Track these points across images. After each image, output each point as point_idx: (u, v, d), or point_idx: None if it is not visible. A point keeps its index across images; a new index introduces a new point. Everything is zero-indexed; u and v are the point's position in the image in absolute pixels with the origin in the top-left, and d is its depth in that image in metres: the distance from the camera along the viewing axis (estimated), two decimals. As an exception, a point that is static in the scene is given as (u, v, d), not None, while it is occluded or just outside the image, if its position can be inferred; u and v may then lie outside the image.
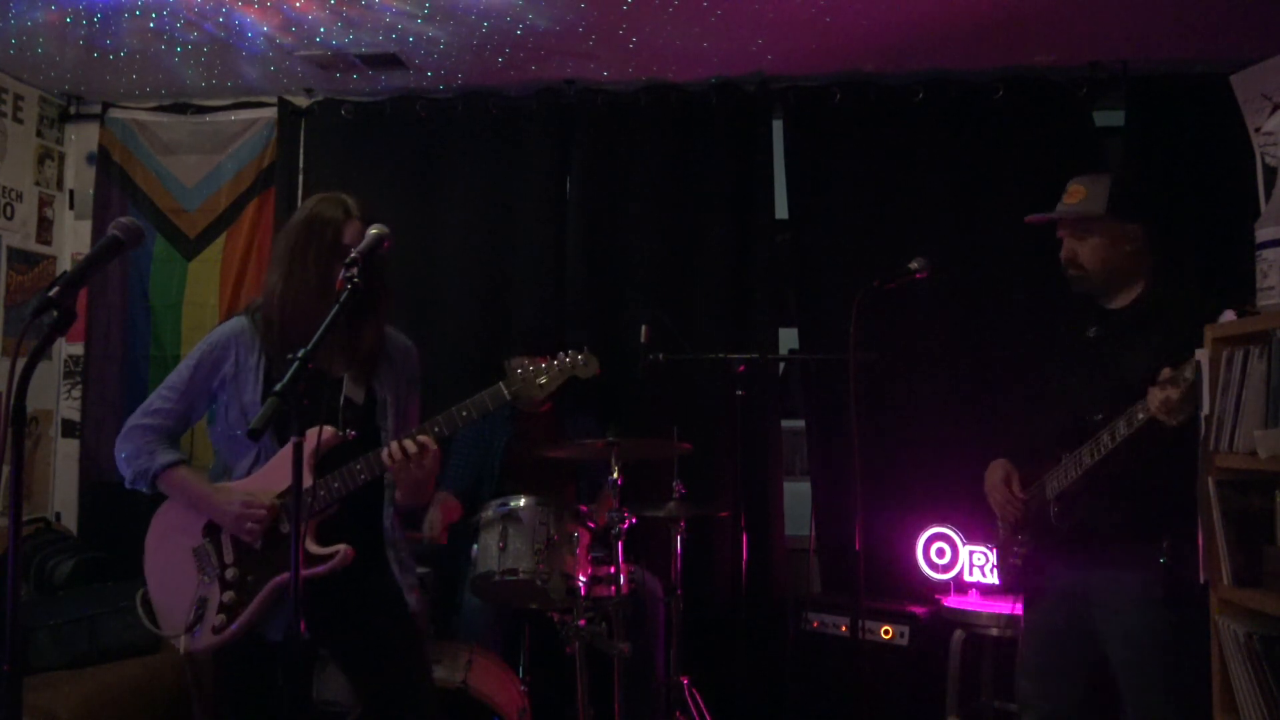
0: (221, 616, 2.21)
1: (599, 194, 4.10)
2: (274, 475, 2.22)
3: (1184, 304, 2.43)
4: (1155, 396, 2.21)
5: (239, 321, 2.32)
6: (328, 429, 2.16)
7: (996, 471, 2.66)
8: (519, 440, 3.57)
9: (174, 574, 2.28)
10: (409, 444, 2.17)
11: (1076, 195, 2.51)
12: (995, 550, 2.80)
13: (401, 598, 2.33)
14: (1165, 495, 2.36)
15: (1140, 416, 2.26)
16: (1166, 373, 2.21)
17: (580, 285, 4.05)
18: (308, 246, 2.23)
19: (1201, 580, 2.28)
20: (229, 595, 2.22)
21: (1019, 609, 2.72)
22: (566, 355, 2.29)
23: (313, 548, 2.19)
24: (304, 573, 2.15)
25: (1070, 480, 2.46)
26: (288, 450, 2.00)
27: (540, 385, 2.26)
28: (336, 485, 2.20)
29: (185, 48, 3.76)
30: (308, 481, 2.02)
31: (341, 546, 2.18)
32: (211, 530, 2.26)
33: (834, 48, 3.73)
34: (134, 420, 2.30)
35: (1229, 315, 2.17)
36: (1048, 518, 2.53)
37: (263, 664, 2.16)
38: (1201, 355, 2.26)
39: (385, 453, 2.19)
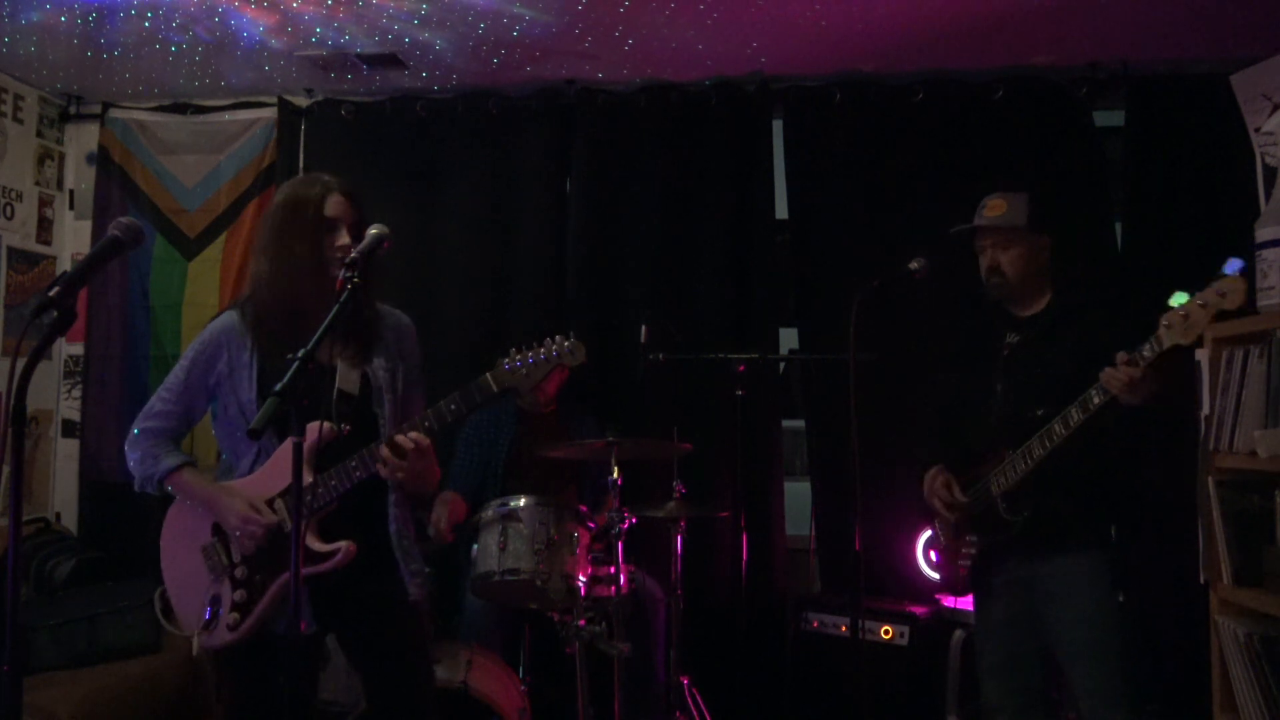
0: (235, 615, 2.22)
1: (599, 194, 4.09)
2: (275, 473, 2.22)
3: (1096, 306, 2.65)
4: (1116, 377, 2.29)
5: (228, 318, 2.31)
6: (323, 425, 2.16)
7: (937, 478, 2.76)
8: (522, 440, 3.57)
9: (187, 572, 2.29)
10: (403, 440, 2.16)
11: (998, 209, 2.70)
12: (939, 555, 2.90)
13: (405, 592, 2.32)
14: (1110, 483, 2.55)
15: (1096, 400, 2.36)
16: (1123, 356, 2.29)
17: (580, 285, 4.05)
18: (290, 227, 2.21)
19: (1202, 580, 2.29)
20: (240, 594, 2.23)
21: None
22: (554, 341, 2.25)
23: (316, 545, 2.19)
24: (307, 570, 2.16)
25: (1019, 474, 2.54)
26: (287, 447, 2.00)
27: (526, 374, 2.22)
28: (334, 483, 2.20)
29: (185, 47, 3.76)
30: (307, 479, 2.02)
31: (344, 543, 2.18)
32: (220, 529, 2.27)
33: (834, 48, 3.73)
34: (137, 425, 2.31)
35: (1180, 297, 2.24)
36: (996, 514, 2.61)
37: (268, 660, 2.17)
38: (1201, 355, 2.27)
39: (381, 452, 2.17)
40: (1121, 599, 2.51)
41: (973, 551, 2.70)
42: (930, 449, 2.84)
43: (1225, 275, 2.20)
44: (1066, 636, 2.53)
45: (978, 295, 2.78)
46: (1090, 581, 2.51)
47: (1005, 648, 2.67)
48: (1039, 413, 2.51)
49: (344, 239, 2.20)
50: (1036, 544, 2.57)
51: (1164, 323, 2.23)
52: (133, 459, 2.29)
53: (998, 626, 2.69)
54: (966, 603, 3.47)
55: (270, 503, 2.23)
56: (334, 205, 2.21)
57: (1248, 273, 2.20)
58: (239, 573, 2.24)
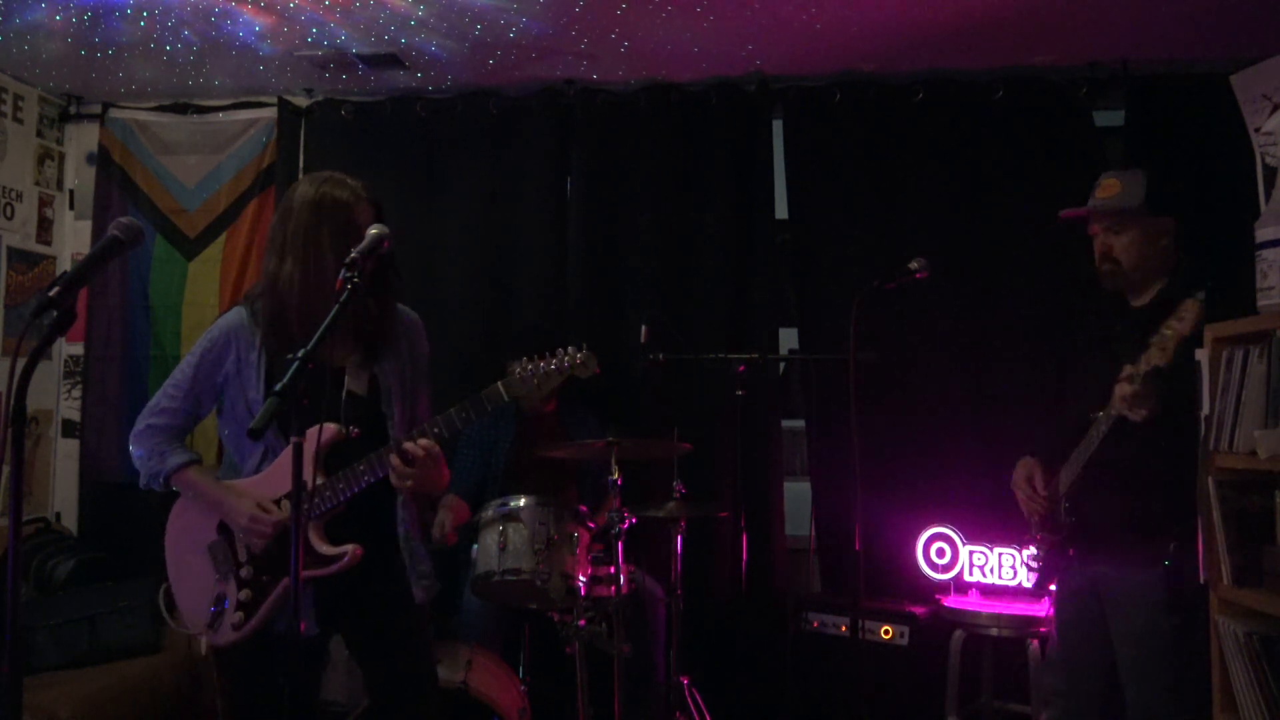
0: (240, 614, 2.22)
1: (599, 194, 4.09)
2: (281, 473, 2.21)
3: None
4: (1117, 393, 2.25)
5: (237, 314, 2.29)
6: (330, 426, 2.16)
7: (1020, 469, 2.67)
8: (523, 441, 3.57)
9: (192, 570, 2.29)
10: (412, 448, 2.15)
11: (1111, 190, 2.50)
12: (1027, 549, 2.78)
13: (409, 594, 2.32)
14: (1166, 492, 2.38)
15: (1112, 413, 2.31)
16: (1127, 369, 2.24)
17: (580, 285, 4.05)
18: (320, 232, 2.17)
19: (1201, 580, 2.29)
20: (245, 593, 2.23)
21: (1031, 609, 2.73)
22: (565, 353, 2.26)
23: (322, 547, 2.19)
24: (313, 573, 2.16)
25: (1074, 476, 2.48)
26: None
27: (538, 384, 2.23)
28: (341, 485, 2.20)
29: (185, 47, 3.76)
30: (314, 480, 2.02)
31: (350, 546, 2.18)
32: (225, 528, 2.26)
33: (833, 48, 3.73)
34: (143, 420, 2.30)
35: (1196, 300, 2.17)
36: (1060, 515, 2.55)
37: (269, 660, 2.17)
38: (1201, 355, 2.27)
39: (392, 460, 2.17)
40: (1176, 622, 2.33)
41: (1043, 549, 2.63)
42: (1028, 437, 2.73)
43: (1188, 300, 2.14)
44: (1121, 650, 2.44)
45: (1092, 280, 2.58)
46: (1143, 599, 2.38)
47: (1068, 649, 2.61)
48: (1097, 414, 2.40)
49: None
50: (1089, 552, 2.49)
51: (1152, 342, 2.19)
52: (138, 455, 2.28)
53: (1067, 627, 2.62)
54: (967, 603, 3.49)
55: (277, 503, 2.22)
56: (362, 214, 2.20)
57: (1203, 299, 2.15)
58: (245, 572, 2.24)
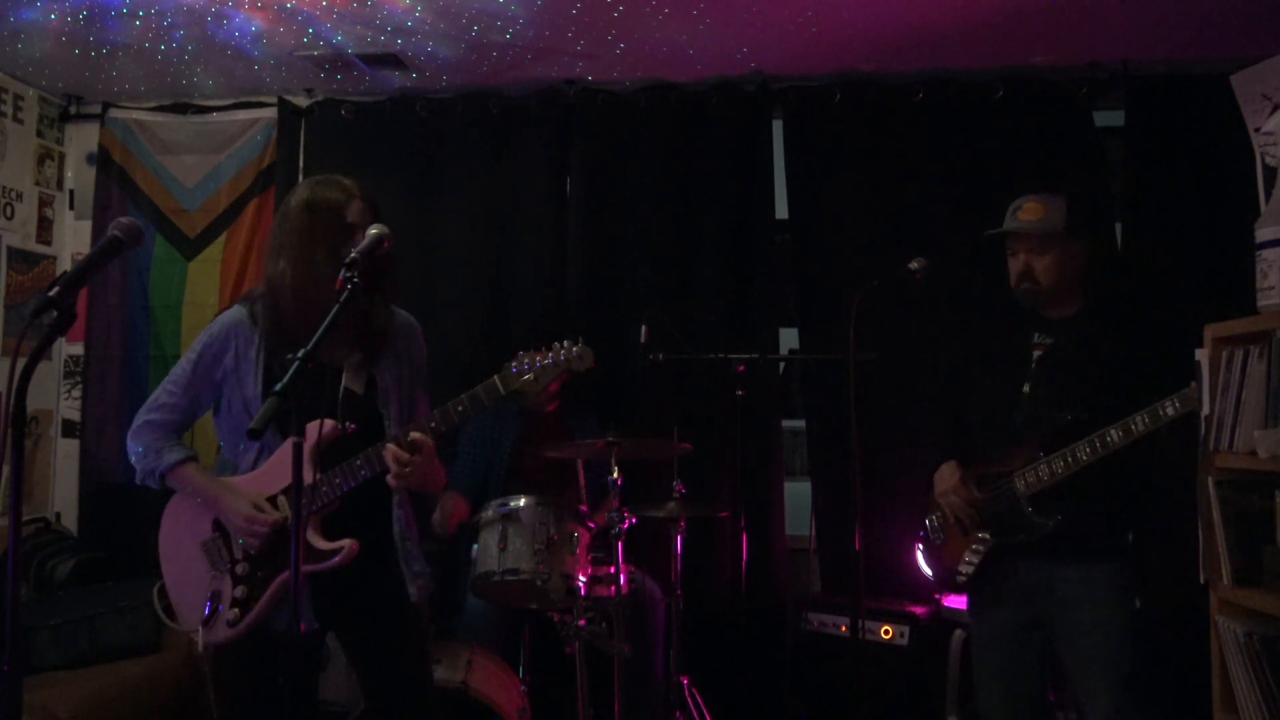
0: (235, 611, 2.22)
1: (599, 194, 4.09)
2: (278, 471, 2.22)
3: (1132, 315, 2.64)
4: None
5: (236, 312, 2.31)
6: (329, 421, 2.16)
7: (952, 473, 2.71)
8: (524, 441, 3.57)
9: (186, 567, 2.29)
10: (410, 439, 2.17)
11: (1035, 213, 2.63)
12: (930, 552, 2.85)
13: (405, 593, 2.33)
14: (1131, 490, 2.55)
15: (1169, 412, 2.35)
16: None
17: (580, 285, 4.05)
18: (313, 232, 2.21)
19: (1201, 580, 2.29)
20: (240, 590, 2.23)
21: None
22: (562, 347, 2.27)
23: (318, 543, 2.19)
24: (309, 568, 2.16)
25: (1056, 477, 2.51)
26: (289, 445, 1.99)
27: (534, 377, 2.24)
28: (338, 481, 2.21)
29: (185, 47, 3.76)
30: (311, 476, 2.02)
31: (346, 542, 2.19)
32: (221, 524, 2.27)
33: (834, 48, 3.73)
34: (141, 416, 2.31)
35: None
36: (1021, 515, 2.57)
37: (267, 657, 2.16)
38: (1201, 355, 2.27)
39: (388, 454, 2.18)
40: (1138, 604, 2.50)
41: (980, 550, 2.66)
42: (943, 442, 2.79)
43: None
44: (1082, 642, 2.50)
45: (1004, 295, 2.70)
46: (1111, 588, 2.49)
47: (1009, 652, 2.63)
48: (1068, 417, 2.49)
49: None
50: (1059, 548, 2.53)
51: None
52: (135, 451, 2.29)
53: (1004, 630, 2.65)
54: (967, 603, 3.48)
55: (272, 500, 2.23)
56: (355, 212, 2.22)
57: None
58: (240, 569, 2.25)
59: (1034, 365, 2.63)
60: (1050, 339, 2.64)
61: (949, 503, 2.71)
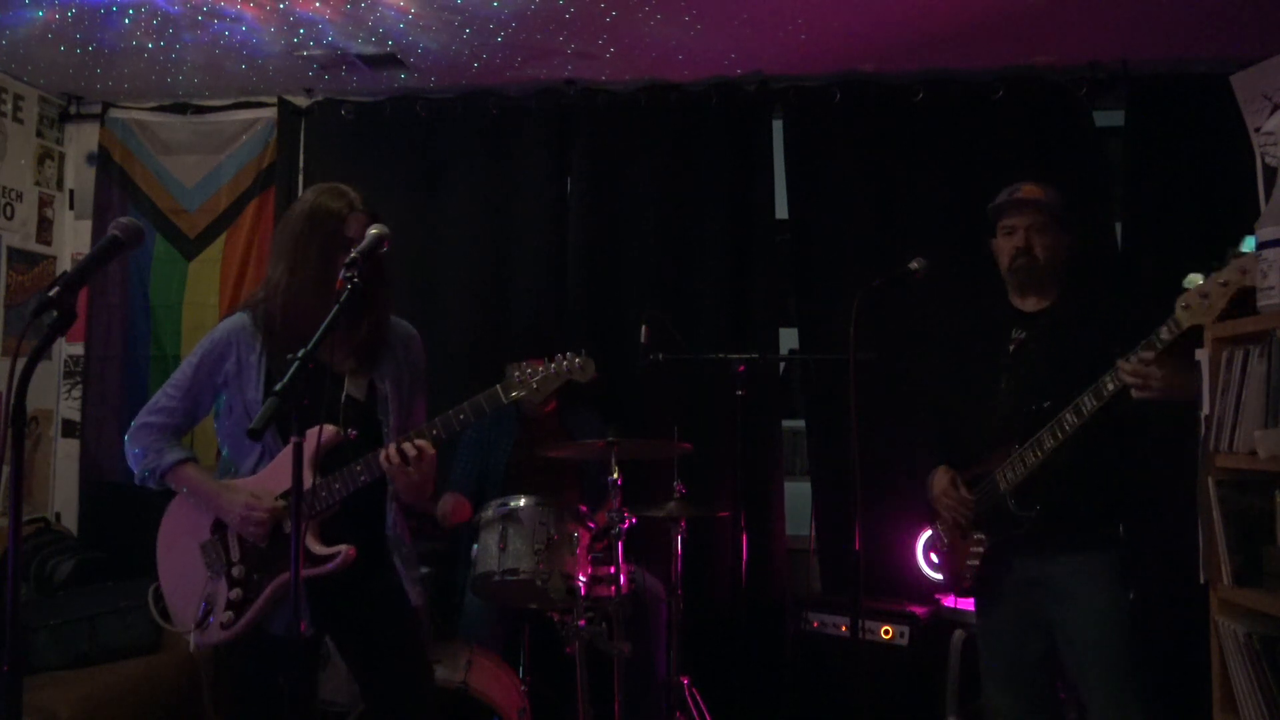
0: (229, 613, 2.22)
1: (599, 194, 4.09)
2: (278, 474, 2.23)
3: (1104, 304, 2.66)
4: (1128, 367, 2.30)
5: (240, 317, 2.32)
6: (329, 428, 2.17)
7: (943, 478, 2.73)
8: (524, 442, 3.57)
9: (183, 569, 2.29)
10: (408, 447, 2.18)
11: (1035, 192, 2.66)
12: (941, 556, 2.87)
13: (403, 595, 2.33)
14: (1119, 481, 2.55)
15: (1110, 387, 2.36)
16: (1141, 351, 2.30)
17: (580, 285, 4.05)
18: (310, 239, 2.23)
19: (1202, 580, 2.29)
20: (236, 592, 2.23)
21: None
22: (564, 358, 2.30)
23: (315, 547, 2.19)
24: (307, 572, 2.16)
25: (1028, 468, 2.52)
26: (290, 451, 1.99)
27: (536, 388, 2.27)
28: (338, 486, 2.21)
29: (185, 47, 3.76)
30: (311, 481, 2.03)
31: (343, 547, 2.19)
32: (219, 527, 2.28)
33: (833, 48, 3.73)
34: (141, 418, 2.32)
35: (1194, 278, 2.24)
36: (1006, 511, 2.59)
37: (266, 660, 2.17)
38: (1201, 355, 2.27)
39: (383, 455, 2.18)
40: (1131, 596, 2.51)
41: (980, 551, 2.67)
42: (933, 449, 2.81)
43: (1243, 253, 2.17)
44: (1078, 636, 2.51)
45: (980, 291, 2.75)
46: (1103, 579, 2.50)
47: (1013, 650, 2.64)
48: (1045, 405, 2.50)
49: None
50: (1047, 541, 2.55)
51: (1181, 304, 2.21)
52: (134, 452, 2.30)
53: (1006, 628, 2.66)
54: (967, 603, 3.46)
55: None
56: (355, 226, 2.22)
57: None
58: (237, 571, 2.25)
59: (1010, 359, 2.67)
60: (1025, 332, 2.67)
61: (943, 507, 2.73)
